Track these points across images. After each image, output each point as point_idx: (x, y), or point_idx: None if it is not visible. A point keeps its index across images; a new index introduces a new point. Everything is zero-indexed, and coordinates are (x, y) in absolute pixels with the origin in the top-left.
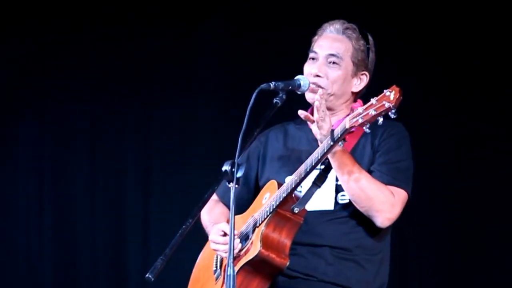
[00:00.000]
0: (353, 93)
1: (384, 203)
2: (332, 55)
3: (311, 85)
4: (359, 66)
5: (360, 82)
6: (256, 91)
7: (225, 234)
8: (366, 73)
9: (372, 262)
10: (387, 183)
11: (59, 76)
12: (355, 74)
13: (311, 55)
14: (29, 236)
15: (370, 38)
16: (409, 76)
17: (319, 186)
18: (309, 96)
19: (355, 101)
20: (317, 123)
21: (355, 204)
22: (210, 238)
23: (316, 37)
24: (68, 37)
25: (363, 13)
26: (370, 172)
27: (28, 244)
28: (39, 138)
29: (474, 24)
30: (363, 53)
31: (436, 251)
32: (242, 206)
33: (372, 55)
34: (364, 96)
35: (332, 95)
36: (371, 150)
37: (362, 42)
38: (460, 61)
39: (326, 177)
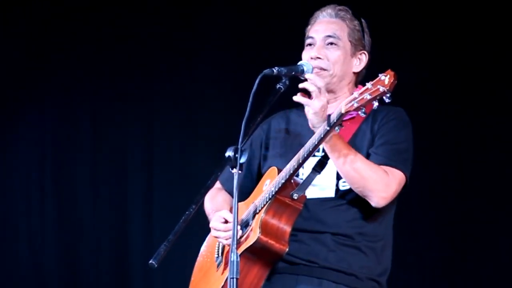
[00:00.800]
0: (354, 73)
1: (378, 182)
2: (329, 36)
3: (314, 69)
4: (357, 45)
5: (360, 62)
6: (259, 76)
7: (226, 221)
8: (365, 52)
9: (374, 249)
10: (382, 163)
11: (60, 68)
12: (354, 54)
13: (308, 41)
14: (30, 230)
15: (363, 20)
16: (411, 70)
17: (319, 172)
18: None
19: (356, 83)
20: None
21: (350, 186)
22: (210, 225)
23: (309, 26)
24: (69, 33)
25: (364, 2)
26: (368, 154)
27: (29, 239)
28: (40, 126)
29: (478, 18)
30: (359, 32)
31: (437, 241)
32: (245, 193)
33: (367, 36)
34: (364, 79)
35: (334, 76)
36: (371, 134)
37: (356, 22)
38: (462, 55)
39: (326, 163)
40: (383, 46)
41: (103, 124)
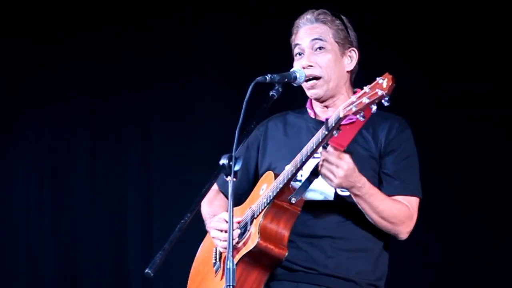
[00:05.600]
0: (348, 72)
1: (404, 222)
2: (316, 39)
3: (308, 82)
4: (344, 44)
5: (351, 60)
6: (252, 84)
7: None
8: (353, 48)
9: (372, 253)
10: (403, 193)
11: (58, 76)
12: (343, 53)
13: (296, 51)
14: (30, 232)
15: (343, 17)
16: (411, 70)
17: (317, 176)
18: (311, 93)
19: (351, 81)
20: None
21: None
22: (211, 225)
23: (293, 36)
24: (67, 33)
25: (364, 6)
26: (380, 174)
27: (28, 246)
28: (38, 132)
29: (479, 17)
30: (343, 31)
31: (436, 246)
32: (242, 195)
33: (351, 31)
34: (359, 78)
35: (330, 81)
36: (375, 144)
37: (337, 21)
38: (462, 58)
39: None
40: (382, 49)
41: (102, 131)
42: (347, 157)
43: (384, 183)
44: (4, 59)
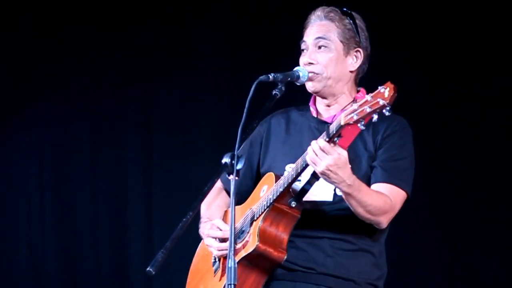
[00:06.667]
0: (351, 72)
1: (386, 212)
2: (318, 38)
3: (309, 74)
4: (349, 44)
5: (356, 60)
6: (255, 83)
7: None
8: (360, 49)
9: (371, 253)
10: (387, 181)
11: (59, 68)
12: (347, 53)
13: (302, 46)
14: (30, 230)
15: (355, 15)
16: (412, 71)
17: (318, 179)
18: (308, 85)
19: (356, 81)
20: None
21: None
22: (206, 232)
23: (304, 30)
24: (67, 33)
25: (364, 6)
26: (371, 168)
27: (29, 239)
28: (39, 131)
29: (480, 18)
30: (351, 31)
31: (436, 245)
32: (245, 191)
33: (362, 32)
34: (364, 76)
35: (329, 78)
36: (373, 146)
37: (346, 21)
38: (464, 55)
39: None
40: (383, 50)
41: (102, 130)
42: (342, 150)
43: (372, 172)
44: (4, 59)
